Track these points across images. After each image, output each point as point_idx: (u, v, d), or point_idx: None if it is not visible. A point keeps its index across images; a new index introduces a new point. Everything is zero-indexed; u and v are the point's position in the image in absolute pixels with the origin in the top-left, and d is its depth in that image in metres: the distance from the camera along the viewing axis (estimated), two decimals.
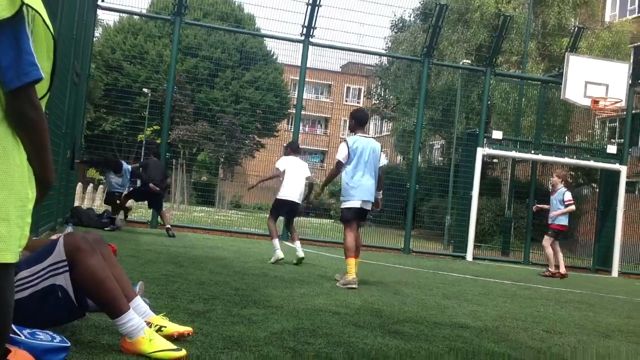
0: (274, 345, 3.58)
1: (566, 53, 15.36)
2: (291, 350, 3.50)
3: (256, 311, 4.58)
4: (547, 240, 12.23)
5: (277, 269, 7.80)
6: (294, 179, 9.11)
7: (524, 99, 17.84)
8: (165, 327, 3.39)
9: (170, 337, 3.26)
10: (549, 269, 12.20)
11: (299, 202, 9.16)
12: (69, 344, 2.84)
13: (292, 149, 9.64)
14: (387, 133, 30.39)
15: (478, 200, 15.16)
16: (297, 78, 15.09)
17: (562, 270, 12.14)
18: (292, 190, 9.07)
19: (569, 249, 17.48)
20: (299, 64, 14.77)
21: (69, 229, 8.06)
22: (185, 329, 3.46)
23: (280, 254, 8.59)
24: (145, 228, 13.00)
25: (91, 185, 19.60)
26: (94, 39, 16.55)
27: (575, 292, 9.25)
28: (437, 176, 18.68)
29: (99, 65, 26.73)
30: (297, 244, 9.00)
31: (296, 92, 15.28)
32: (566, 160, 16.13)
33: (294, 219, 9.49)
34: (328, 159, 31.65)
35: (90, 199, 18.60)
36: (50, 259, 3.06)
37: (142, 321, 3.15)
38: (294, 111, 15.31)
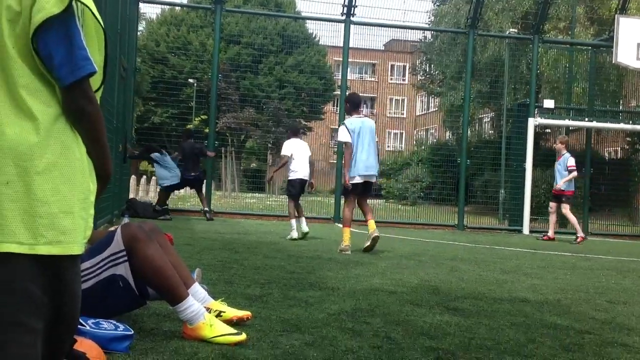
0: (332, 327, 3.58)
1: (616, 15, 14.83)
2: (350, 331, 3.50)
3: (312, 293, 4.59)
4: (566, 208, 12.30)
5: (331, 251, 7.81)
6: (301, 159, 9.94)
7: (574, 66, 17.34)
8: (224, 312, 3.43)
9: (229, 322, 3.29)
10: (578, 234, 12.27)
11: (308, 179, 10.04)
12: (132, 332, 2.90)
13: (293, 132, 10.44)
14: (434, 109, 29.99)
15: (532, 172, 14.86)
16: (341, 59, 14.98)
17: (551, 233, 12.44)
18: (301, 169, 9.90)
19: (628, 217, 17.01)
20: (342, 45, 14.67)
21: (126, 220, 8.24)
22: (244, 314, 3.49)
23: (295, 234, 9.38)
24: (200, 217, 13.16)
25: (144, 177, 19.97)
26: (138, 33, 16.77)
27: (638, 262, 9.00)
28: (489, 150, 18.32)
29: (145, 58, 27.10)
30: (303, 219, 9.77)
31: (340, 74, 15.18)
32: (621, 126, 15.65)
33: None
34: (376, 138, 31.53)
35: (144, 190, 18.97)
36: (110, 250, 3.12)
37: (201, 307, 3.19)
38: (339, 93, 15.24)
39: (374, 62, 37.32)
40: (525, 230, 14.49)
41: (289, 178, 9.95)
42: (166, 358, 2.77)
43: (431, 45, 26.18)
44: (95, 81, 1.73)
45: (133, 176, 16.96)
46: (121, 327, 2.89)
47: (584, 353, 3.35)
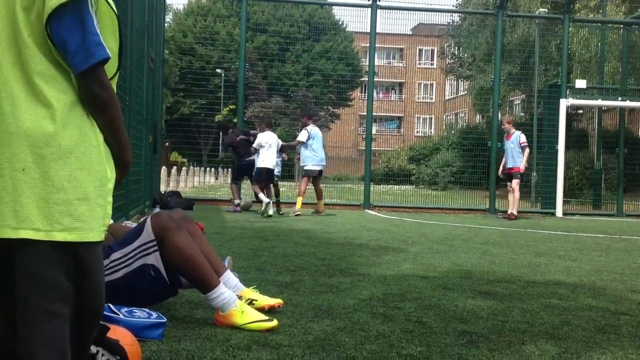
0: (364, 312, 3.57)
1: None
2: (381, 316, 3.49)
3: (343, 279, 4.59)
4: (517, 183, 12.58)
5: (361, 237, 7.80)
6: (270, 150, 11.40)
7: (605, 45, 16.99)
8: (256, 300, 3.44)
9: (261, 310, 3.31)
10: (513, 211, 12.60)
11: (273, 168, 11.52)
12: (165, 320, 2.92)
13: (266, 124, 11.81)
14: (463, 92, 29.70)
15: (565, 154, 14.64)
16: (368, 45, 14.89)
17: (515, 211, 12.67)
18: (268, 159, 11.39)
19: None
20: (369, 31, 14.57)
21: (157, 210, 8.32)
22: (276, 302, 3.50)
23: (265, 198, 11.20)
24: (229, 205, 13.23)
25: (174, 168, 20.14)
26: (165, 25, 16.86)
27: None
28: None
29: (172, 50, 27.27)
30: (271, 203, 11.20)
31: (368, 60, 15.10)
32: None
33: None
34: (405, 124, 31.32)
35: (175, 181, 19.13)
36: (140, 240, 3.14)
37: (233, 294, 3.21)
38: (367, 79, 15.17)
39: (401, 47, 37.06)
40: (559, 212, 14.30)
41: (258, 166, 11.45)
42: (199, 345, 2.80)
43: (459, 27, 25.90)
44: (111, 68, 1.74)
45: (164, 167, 17.10)
46: (154, 315, 2.92)
47: (619, 335, 3.30)
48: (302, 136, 12.02)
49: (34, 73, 1.60)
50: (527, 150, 12.72)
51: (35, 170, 1.58)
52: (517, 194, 12.63)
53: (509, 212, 12.67)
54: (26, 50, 1.60)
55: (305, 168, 12.01)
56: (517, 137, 12.59)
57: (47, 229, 1.58)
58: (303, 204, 12.04)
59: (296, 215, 11.28)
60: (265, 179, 11.42)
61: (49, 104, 1.60)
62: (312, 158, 11.94)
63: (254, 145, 11.57)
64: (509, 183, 12.79)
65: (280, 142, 11.68)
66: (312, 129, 12.10)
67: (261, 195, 11.33)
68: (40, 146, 1.58)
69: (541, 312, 3.77)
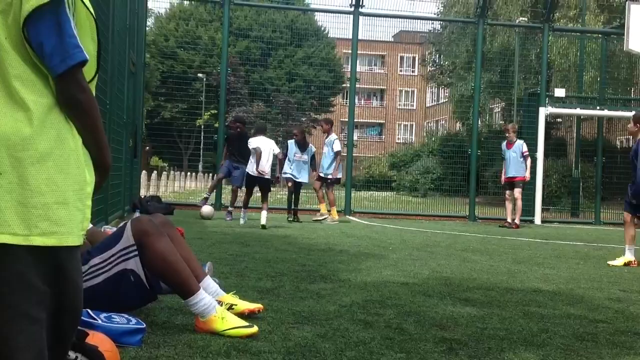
0: (345, 318, 3.58)
1: (627, 2, 14.67)
2: (362, 322, 3.50)
3: (324, 285, 4.59)
4: (519, 192, 12.67)
5: (342, 243, 7.80)
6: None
7: (584, 54, 17.21)
8: (236, 305, 3.43)
9: (241, 315, 3.30)
10: (516, 220, 12.66)
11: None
12: (144, 326, 2.90)
13: (258, 129, 10.82)
14: (444, 100, 29.86)
15: (543, 162, 14.78)
16: (350, 51, 14.93)
17: (517, 220, 12.73)
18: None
19: None
20: (351, 37, 14.62)
21: (137, 215, 8.26)
22: (256, 306, 3.49)
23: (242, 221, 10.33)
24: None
25: (155, 172, 20.01)
26: (147, 29, 16.78)
27: None
28: (499, 140, 18.20)
29: (154, 54, 27.13)
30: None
31: (349, 66, 15.14)
32: (633, 114, 15.48)
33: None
34: (385, 130, 31.40)
35: (155, 185, 19.01)
36: (120, 245, 3.13)
37: (213, 300, 3.20)
38: (349, 85, 15.21)
39: (383, 53, 37.18)
40: (537, 220, 14.42)
41: (246, 171, 10.58)
42: (178, 351, 2.78)
43: (440, 35, 26.07)
44: (89, 71, 1.73)
45: (144, 171, 16.97)
46: (133, 320, 2.90)
47: (597, 342, 3.34)
48: (339, 145, 12.00)
49: (12, 76, 1.59)
50: (529, 159, 12.87)
51: (13, 174, 1.56)
52: (520, 202, 12.74)
53: (515, 220, 12.66)
54: (3, 54, 1.59)
55: (338, 176, 12.05)
56: (520, 146, 12.72)
57: (25, 234, 1.57)
58: (283, 209, 12.08)
59: (332, 222, 11.44)
60: (248, 185, 10.56)
61: (26, 107, 1.59)
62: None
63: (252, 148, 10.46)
64: (507, 191, 12.85)
65: (276, 150, 10.43)
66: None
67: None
68: (17, 150, 1.57)
69: (520, 319, 3.80)
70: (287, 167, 11.60)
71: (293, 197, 11.79)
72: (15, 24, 1.59)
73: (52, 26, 1.59)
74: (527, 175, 12.80)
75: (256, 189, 10.58)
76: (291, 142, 11.89)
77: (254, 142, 10.22)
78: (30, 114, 1.59)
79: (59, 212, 1.61)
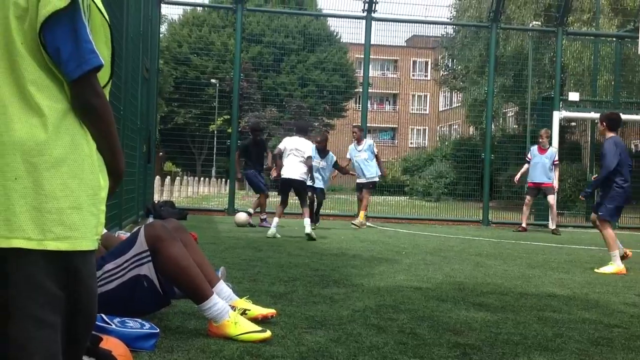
0: (358, 323, 3.57)
1: None
2: (375, 327, 3.49)
3: (337, 290, 4.58)
4: (554, 199, 12.67)
5: (355, 248, 7.79)
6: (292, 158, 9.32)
7: (598, 58, 17.11)
8: (249, 310, 3.43)
9: (254, 320, 3.30)
10: (552, 226, 12.73)
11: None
12: (157, 330, 2.91)
13: (299, 128, 9.90)
14: (457, 104, 29.79)
15: (558, 166, 14.68)
16: (362, 56, 14.93)
17: (554, 225, 12.82)
18: (289, 168, 9.31)
19: None
20: (363, 42, 14.63)
21: (150, 220, 8.29)
22: (269, 311, 3.49)
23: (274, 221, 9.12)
24: (223, 216, 13.23)
25: (168, 177, 20.10)
26: (161, 35, 16.89)
27: None
28: (513, 144, 18.13)
29: (167, 60, 27.28)
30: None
31: (362, 71, 15.13)
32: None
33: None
34: (399, 135, 31.37)
35: (168, 191, 19.09)
36: (133, 250, 3.14)
37: (226, 305, 3.20)
38: (361, 90, 15.20)
39: (395, 58, 37.13)
40: (552, 224, 14.31)
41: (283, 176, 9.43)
42: (191, 356, 2.79)
43: (453, 40, 26.02)
44: (103, 76, 1.74)
45: (157, 177, 17.05)
46: (147, 325, 2.91)
47: (612, 347, 3.31)
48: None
49: (27, 81, 1.60)
50: (559, 168, 12.90)
51: (28, 180, 1.58)
52: (555, 209, 12.80)
53: (551, 226, 12.74)
54: (19, 59, 1.60)
55: (375, 180, 12.02)
56: (553, 154, 12.71)
57: (39, 238, 1.58)
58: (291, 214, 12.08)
59: (362, 226, 11.57)
60: (282, 191, 9.52)
61: (41, 112, 1.60)
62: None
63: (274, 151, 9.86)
64: (529, 197, 12.82)
65: (307, 153, 9.28)
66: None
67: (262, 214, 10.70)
68: (32, 155, 1.58)
69: (534, 324, 3.77)
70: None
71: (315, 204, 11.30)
72: (31, 30, 1.60)
73: (68, 31, 1.61)
74: (556, 184, 12.75)
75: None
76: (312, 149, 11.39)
77: (284, 142, 9.48)
78: (45, 120, 1.60)
79: (72, 216, 1.62)
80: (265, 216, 11.13)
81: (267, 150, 11.87)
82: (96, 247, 1.71)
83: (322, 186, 11.32)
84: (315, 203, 11.33)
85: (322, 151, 11.39)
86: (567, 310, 4.27)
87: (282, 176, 9.29)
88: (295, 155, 9.25)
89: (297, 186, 9.32)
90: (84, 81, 1.63)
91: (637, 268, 6.96)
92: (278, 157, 9.53)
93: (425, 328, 3.53)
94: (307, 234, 8.78)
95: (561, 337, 3.46)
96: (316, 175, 10.60)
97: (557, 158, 12.75)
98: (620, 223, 15.19)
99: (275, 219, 9.14)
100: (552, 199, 12.60)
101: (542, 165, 12.59)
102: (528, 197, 12.84)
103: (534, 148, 12.93)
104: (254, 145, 11.57)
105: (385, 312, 3.91)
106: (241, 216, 11.01)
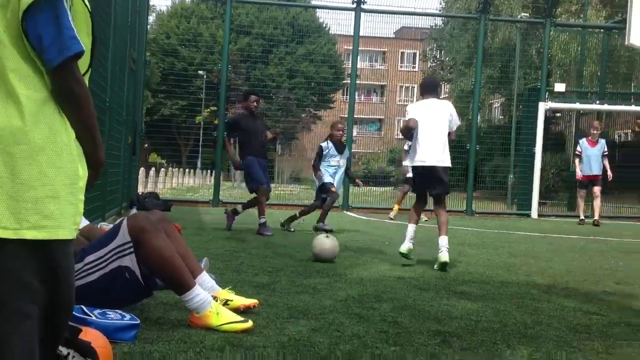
0: (340, 312, 3.60)
1: None
2: (356, 316, 3.52)
3: (320, 280, 4.61)
4: (599, 191, 12.68)
5: (339, 238, 7.76)
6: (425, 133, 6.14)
7: (585, 49, 17.19)
8: (232, 300, 3.45)
9: (236, 310, 3.32)
10: (597, 217, 12.62)
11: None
12: (138, 322, 2.92)
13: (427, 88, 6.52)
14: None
15: (542, 157, 14.79)
16: (351, 48, 14.91)
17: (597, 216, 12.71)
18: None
19: (639, 199, 16.92)
20: (352, 34, 14.61)
21: (134, 211, 8.26)
22: (251, 302, 3.51)
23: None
24: (207, 207, 13.22)
25: (153, 169, 20.02)
26: (148, 26, 16.78)
27: None
28: (498, 135, 18.21)
29: (155, 51, 27.15)
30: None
31: (350, 62, 15.12)
32: (633, 108, 15.51)
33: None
34: (385, 126, 31.38)
35: (153, 182, 19.00)
36: (116, 242, 3.14)
37: (208, 296, 3.22)
38: (349, 81, 15.20)
39: (384, 50, 37.17)
40: (534, 214, 14.44)
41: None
42: (172, 347, 2.80)
43: (442, 31, 26.06)
44: (83, 65, 1.74)
45: (142, 168, 16.96)
46: (127, 316, 2.92)
47: (590, 334, 3.36)
48: None
49: (9, 70, 1.60)
50: (607, 158, 12.86)
51: (4, 169, 1.57)
52: (599, 200, 12.82)
53: (596, 218, 12.66)
54: (1, 47, 1.60)
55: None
56: (603, 145, 12.75)
57: (15, 227, 1.57)
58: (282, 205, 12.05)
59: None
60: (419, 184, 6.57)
61: (19, 101, 1.60)
62: None
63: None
64: (583, 190, 12.94)
65: (455, 119, 6.18)
66: None
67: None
68: (9, 144, 1.58)
69: (514, 312, 3.82)
70: (327, 173, 8.83)
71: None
72: (14, 18, 1.60)
73: (50, 18, 1.61)
74: (610, 174, 12.74)
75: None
76: (328, 143, 8.93)
77: (411, 111, 6.20)
78: (21, 108, 1.60)
79: (49, 205, 1.62)
80: (264, 220, 8.40)
81: (267, 130, 8.78)
82: (74, 236, 1.71)
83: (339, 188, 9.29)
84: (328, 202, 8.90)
85: (340, 145, 9.03)
86: (547, 298, 4.32)
87: (419, 164, 6.11)
88: (435, 129, 6.02)
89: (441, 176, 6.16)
90: (65, 68, 1.63)
91: (617, 256, 7.04)
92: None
93: (406, 317, 3.57)
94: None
95: (540, 325, 3.51)
96: (336, 177, 8.95)
97: (606, 149, 12.77)
98: (625, 214, 15.39)
99: (411, 228, 6.17)
100: (598, 190, 12.67)
101: (593, 157, 12.69)
102: (582, 191, 12.97)
103: (583, 141, 12.96)
104: (250, 119, 8.40)
105: (367, 301, 3.95)
106: (328, 243, 5.97)
